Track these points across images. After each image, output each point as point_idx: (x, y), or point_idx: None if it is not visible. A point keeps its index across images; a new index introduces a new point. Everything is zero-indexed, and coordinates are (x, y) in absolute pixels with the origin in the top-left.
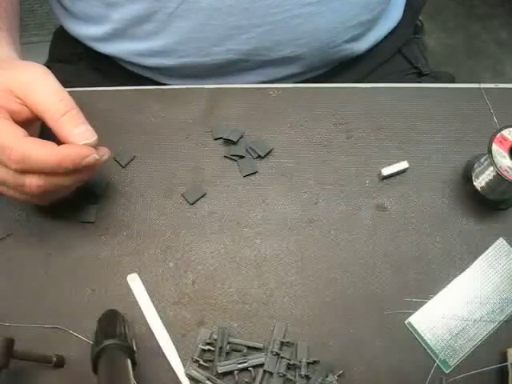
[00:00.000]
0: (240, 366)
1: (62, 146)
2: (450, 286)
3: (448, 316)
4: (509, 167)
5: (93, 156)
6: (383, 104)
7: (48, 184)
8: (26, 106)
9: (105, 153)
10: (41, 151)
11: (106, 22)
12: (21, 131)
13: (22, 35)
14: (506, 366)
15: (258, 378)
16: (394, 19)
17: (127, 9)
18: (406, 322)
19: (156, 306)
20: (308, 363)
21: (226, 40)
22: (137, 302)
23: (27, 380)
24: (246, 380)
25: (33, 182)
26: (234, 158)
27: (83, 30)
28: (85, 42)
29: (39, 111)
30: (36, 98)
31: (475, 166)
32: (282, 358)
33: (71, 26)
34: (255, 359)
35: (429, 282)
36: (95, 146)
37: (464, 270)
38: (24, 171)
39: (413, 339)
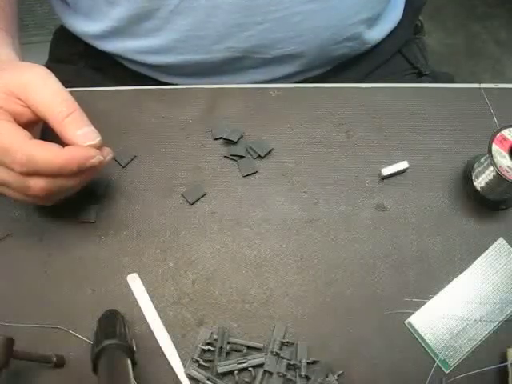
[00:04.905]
0: (240, 366)
1: (66, 148)
2: (450, 285)
3: (448, 316)
4: (509, 167)
5: (97, 157)
6: (383, 104)
7: (52, 186)
8: (28, 108)
9: (108, 153)
10: (45, 154)
11: (107, 19)
12: (24, 133)
13: (21, 35)
14: (506, 366)
15: (258, 378)
16: (394, 19)
17: (128, 6)
18: (406, 322)
19: (156, 306)
20: (308, 363)
21: (226, 38)
22: (137, 301)
23: (27, 380)
24: (246, 380)
25: (37, 184)
26: (234, 157)
27: (84, 27)
28: (85, 39)
29: (42, 113)
30: (38, 100)
31: (475, 165)
32: (282, 358)
33: (72, 23)
34: (255, 359)
35: (429, 281)
36: (98, 147)
37: (464, 270)
38: (28, 174)
39: (413, 339)
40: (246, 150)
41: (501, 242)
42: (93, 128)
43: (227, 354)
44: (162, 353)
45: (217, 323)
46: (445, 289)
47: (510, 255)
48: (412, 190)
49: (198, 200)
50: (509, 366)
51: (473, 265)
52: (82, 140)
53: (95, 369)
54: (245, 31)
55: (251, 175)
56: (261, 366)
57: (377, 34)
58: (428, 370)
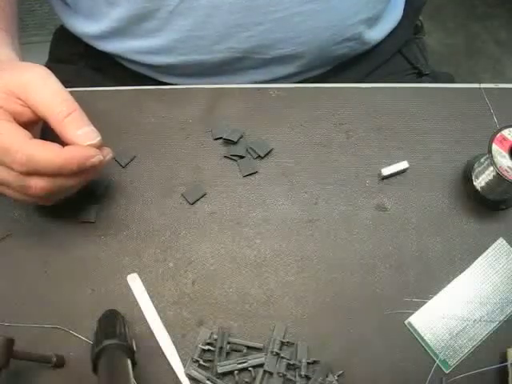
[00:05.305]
0: (240, 366)
1: (66, 148)
2: (450, 285)
3: (448, 316)
4: (509, 167)
5: (97, 157)
6: (383, 104)
7: (52, 185)
8: (28, 108)
9: (108, 153)
10: (46, 153)
11: (107, 19)
12: (25, 133)
13: (21, 35)
14: (506, 366)
15: (258, 378)
16: (394, 19)
17: (128, 6)
18: (406, 322)
19: (156, 306)
20: (308, 363)
21: (226, 38)
22: (137, 301)
23: (27, 380)
24: (246, 380)
25: (37, 183)
26: (234, 157)
27: (85, 28)
28: (85, 40)
29: (42, 112)
30: (38, 100)
31: (475, 165)
32: (282, 357)
33: (72, 23)
34: (255, 359)
35: (429, 282)
36: (99, 147)
37: (464, 270)
38: (28, 173)
39: (413, 339)
40: (246, 149)
41: (501, 242)
42: (93, 128)
43: (227, 353)
44: (162, 353)
45: (217, 323)
46: (445, 289)
47: (510, 255)
48: (412, 190)
49: (198, 200)
50: (509, 365)
51: (473, 265)
52: (82, 139)
53: (95, 369)
54: (245, 31)
55: (251, 175)
56: (261, 366)
57: (377, 34)
58: (428, 369)
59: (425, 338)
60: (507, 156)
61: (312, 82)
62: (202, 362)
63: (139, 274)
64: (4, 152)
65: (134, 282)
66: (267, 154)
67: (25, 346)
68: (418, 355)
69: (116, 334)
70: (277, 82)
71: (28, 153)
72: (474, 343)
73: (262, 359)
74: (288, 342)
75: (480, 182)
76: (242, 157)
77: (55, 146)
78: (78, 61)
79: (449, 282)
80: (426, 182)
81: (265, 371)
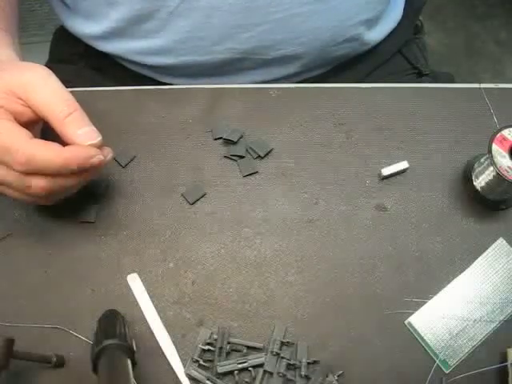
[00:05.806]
0: (240, 366)
1: (67, 148)
2: (450, 285)
3: (448, 316)
4: (509, 167)
5: (98, 156)
6: (383, 104)
7: (53, 185)
8: (29, 107)
9: (108, 153)
10: (46, 153)
11: (106, 20)
12: (25, 133)
13: (21, 35)
14: (506, 366)
15: (258, 378)
16: (394, 20)
17: (128, 7)
18: (405, 322)
19: (156, 306)
20: (308, 363)
21: (226, 39)
22: (137, 301)
23: (27, 380)
24: (246, 380)
25: (38, 183)
26: (234, 157)
27: (85, 28)
28: (85, 40)
29: (42, 112)
30: (38, 99)
31: (475, 165)
32: (282, 357)
33: (72, 24)
34: (255, 359)
35: (429, 281)
36: (99, 147)
37: (464, 270)
38: (29, 173)
39: (413, 339)
40: (246, 150)
41: (501, 242)
42: (93, 127)
43: (227, 354)
44: (162, 353)
45: (217, 323)
46: (445, 289)
47: (510, 255)
48: (412, 190)
49: (198, 200)
50: (509, 365)
51: (473, 265)
52: (83, 139)
53: (95, 369)
54: (245, 32)
55: (251, 175)
56: (261, 365)
57: (377, 34)
58: (428, 369)
59: (425, 338)
60: (507, 156)
61: (312, 82)
62: (202, 362)
63: (139, 274)
64: (4, 151)
65: (134, 282)
66: (267, 154)
67: (25, 346)
68: (418, 355)
69: (116, 334)
70: (277, 82)
71: (28, 152)
72: (474, 343)
73: (262, 359)
74: (288, 342)
75: (480, 181)
76: (242, 157)
77: (56, 146)
78: (78, 61)
79: (449, 282)
80: (426, 182)
81: (265, 371)
